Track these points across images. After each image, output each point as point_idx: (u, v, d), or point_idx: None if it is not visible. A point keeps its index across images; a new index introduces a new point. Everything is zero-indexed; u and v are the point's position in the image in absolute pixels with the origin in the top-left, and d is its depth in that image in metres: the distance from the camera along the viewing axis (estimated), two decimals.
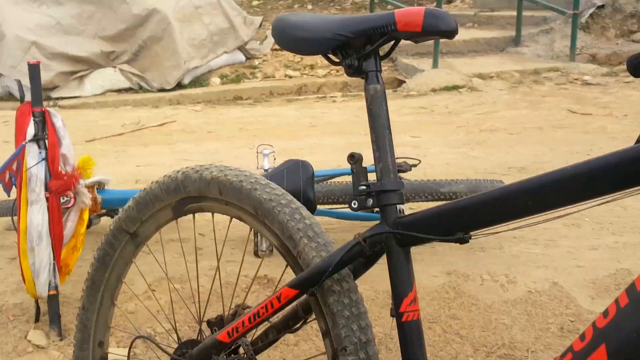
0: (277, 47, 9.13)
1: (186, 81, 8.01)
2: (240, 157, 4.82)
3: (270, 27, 7.90)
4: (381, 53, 1.31)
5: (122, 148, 5.35)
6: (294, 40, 1.38)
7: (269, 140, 5.31)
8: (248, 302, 2.48)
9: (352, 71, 1.31)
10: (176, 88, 7.88)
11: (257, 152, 2.96)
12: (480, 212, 1.11)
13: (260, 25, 9.17)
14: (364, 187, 1.25)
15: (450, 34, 1.22)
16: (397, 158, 3.22)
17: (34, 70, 2.39)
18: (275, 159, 3.00)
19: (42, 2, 7.85)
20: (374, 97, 1.29)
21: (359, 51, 1.29)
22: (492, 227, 1.10)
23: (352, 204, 1.27)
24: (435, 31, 1.22)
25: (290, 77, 8.27)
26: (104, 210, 2.97)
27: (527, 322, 2.45)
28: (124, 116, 6.72)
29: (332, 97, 7.33)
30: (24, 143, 2.31)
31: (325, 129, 5.73)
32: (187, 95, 7.73)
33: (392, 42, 1.31)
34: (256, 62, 8.77)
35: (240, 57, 8.76)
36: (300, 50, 1.41)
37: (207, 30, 8.30)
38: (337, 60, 1.33)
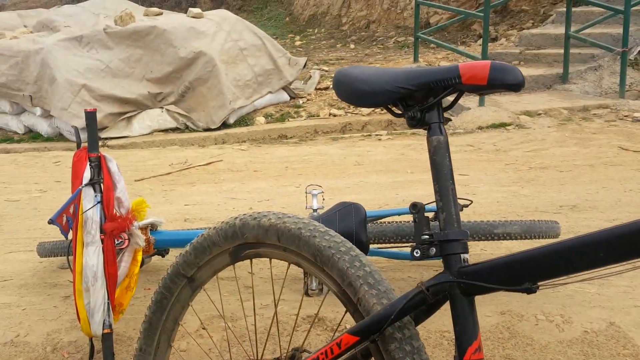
0: (321, 86, 9.20)
1: (231, 120, 8.10)
2: (287, 195, 4.84)
3: (311, 66, 7.94)
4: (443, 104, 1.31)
5: (170, 187, 5.41)
6: (355, 93, 1.39)
7: (315, 179, 5.34)
8: (299, 341, 2.48)
9: (414, 123, 1.31)
10: (222, 127, 7.97)
11: (306, 193, 2.97)
12: (549, 263, 1.09)
13: (305, 65, 9.26)
14: (427, 237, 1.25)
15: (517, 86, 1.21)
16: None
17: (90, 117, 2.44)
18: (324, 199, 3.00)
19: (92, 47, 8.06)
20: (437, 148, 1.29)
21: (422, 103, 1.29)
22: (561, 278, 1.08)
23: (414, 253, 1.26)
24: (502, 84, 1.21)
25: (335, 115, 8.30)
26: (155, 250, 3.00)
27: None
28: (171, 156, 6.81)
29: (377, 135, 7.33)
30: (80, 187, 2.35)
31: (371, 167, 5.73)
32: (232, 135, 7.81)
33: (455, 94, 1.31)
34: (300, 101, 8.84)
35: (285, 96, 8.84)
36: (362, 103, 1.40)
37: (252, 71, 8.41)
38: (399, 112, 1.33)
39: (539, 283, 1.10)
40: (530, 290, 1.10)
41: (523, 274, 1.11)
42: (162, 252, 3.14)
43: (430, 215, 1.27)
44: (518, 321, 2.65)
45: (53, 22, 9.03)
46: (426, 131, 1.32)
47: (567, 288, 2.94)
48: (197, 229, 3.30)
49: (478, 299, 1.24)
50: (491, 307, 2.73)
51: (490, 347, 2.49)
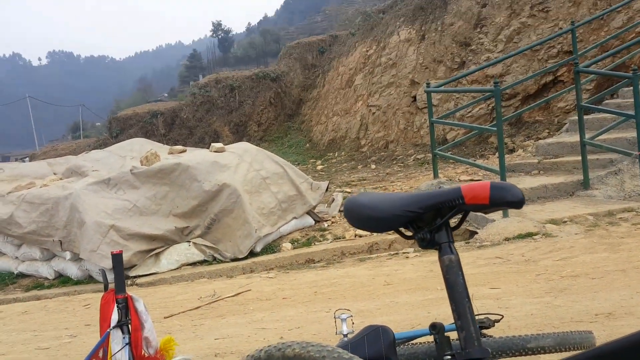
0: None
1: (258, 249, 8.15)
2: (317, 322, 4.78)
3: (334, 189, 7.99)
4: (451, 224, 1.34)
5: (200, 321, 5.38)
6: (366, 220, 1.43)
7: (345, 301, 5.29)
8: None
9: (425, 244, 1.34)
10: (249, 256, 8.02)
11: (335, 318, 2.95)
12: None
13: (327, 189, 9.38)
14: (449, 357, 1.24)
15: (518, 204, 1.25)
16: (479, 314, 3.15)
17: (117, 259, 2.49)
18: (353, 323, 2.97)
19: (119, 187, 8.27)
20: (449, 268, 1.31)
21: (430, 225, 1.32)
22: None
23: None
24: (503, 202, 1.25)
25: (361, 236, 8.32)
26: None
27: None
28: (200, 289, 6.81)
29: (404, 252, 7.30)
30: (108, 330, 2.36)
31: (400, 286, 5.67)
32: (259, 263, 7.84)
33: (462, 214, 1.34)
34: (325, 224, 8.90)
35: (309, 221, 8.92)
36: (374, 228, 1.44)
37: (276, 198, 8.55)
38: (410, 234, 1.37)
39: None
40: None
41: None
42: None
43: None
44: None
45: (81, 168, 9.31)
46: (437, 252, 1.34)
47: None
48: None
49: None
50: None
51: None
